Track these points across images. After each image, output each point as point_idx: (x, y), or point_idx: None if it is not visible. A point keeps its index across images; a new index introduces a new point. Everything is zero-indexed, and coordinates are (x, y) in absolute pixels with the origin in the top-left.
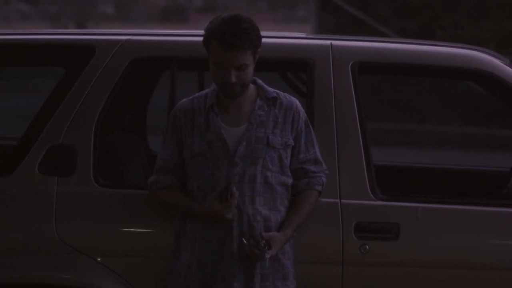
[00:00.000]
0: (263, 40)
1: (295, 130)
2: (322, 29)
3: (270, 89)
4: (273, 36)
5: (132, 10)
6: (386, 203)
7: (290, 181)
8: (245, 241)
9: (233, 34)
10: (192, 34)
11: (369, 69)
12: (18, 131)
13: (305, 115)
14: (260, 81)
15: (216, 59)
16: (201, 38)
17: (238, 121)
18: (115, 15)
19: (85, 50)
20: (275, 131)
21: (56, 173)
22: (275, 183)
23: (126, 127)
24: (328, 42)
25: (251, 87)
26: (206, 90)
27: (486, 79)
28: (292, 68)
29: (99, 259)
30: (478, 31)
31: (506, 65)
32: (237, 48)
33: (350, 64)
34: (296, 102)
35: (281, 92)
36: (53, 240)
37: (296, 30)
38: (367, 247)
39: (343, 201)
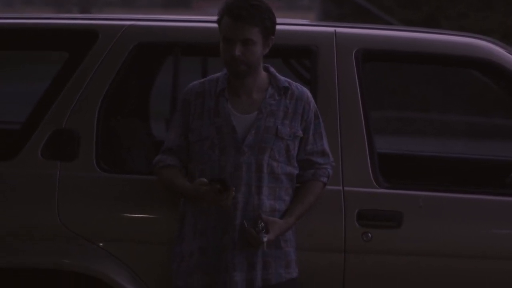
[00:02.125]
0: None
1: (305, 121)
2: (326, 18)
3: (282, 78)
4: (277, 23)
5: None
6: (389, 191)
7: (295, 171)
8: (245, 224)
9: (241, 7)
10: (195, 20)
11: (373, 56)
12: (21, 115)
13: (315, 106)
14: (272, 69)
15: (224, 34)
16: (204, 24)
17: (248, 108)
18: (118, 1)
19: (89, 34)
20: (284, 121)
21: (59, 157)
22: (281, 173)
23: (129, 112)
24: (332, 29)
25: (263, 74)
26: (218, 74)
27: (490, 68)
28: (296, 55)
29: (101, 245)
30: (483, 22)
31: (511, 54)
32: (243, 19)
33: (354, 52)
34: (307, 92)
35: (293, 82)
36: (55, 225)
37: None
38: (370, 235)
39: (346, 188)
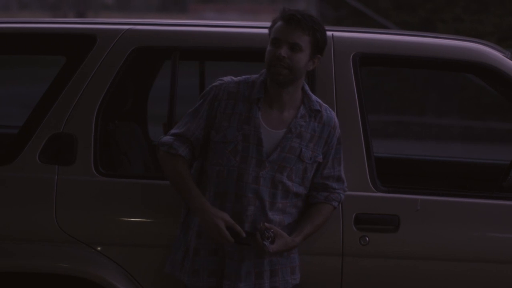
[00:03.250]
0: (265, 31)
1: (327, 146)
2: (322, 21)
3: (314, 98)
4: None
5: (131, 0)
6: (386, 195)
7: (305, 191)
8: (258, 228)
9: (296, 13)
10: (194, 24)
11: (370, 60)
12: (19, 120)
13: (339, 131)
14: (307, 87)
15: (273, 35)
16: (202, 28)
17: (278, 124)
18: (115, 5)
19: (87, 39)
20: (309, 145)
21: (57, 162)
22: (293, 192)
23: (127, 116)
24: (330, 33)
25: (298, 92)
26: (254, 77)
27: (487, 72)
28: None
29: (98, 248)
30: (479, 25)
31: (507, 58)
32: (296, 23)
33: (351, 56)
34: (334, 118)
35: (323, 104)
36: (53, 229)
37: None
38: (367, 238)
39: None
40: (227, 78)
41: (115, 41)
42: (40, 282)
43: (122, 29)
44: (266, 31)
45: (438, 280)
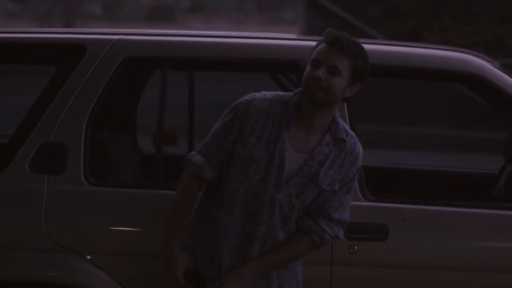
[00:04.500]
0: (254, 41)
1: (346, 174)
2: (310, 31)
3: (342, 126)
4: (264, 37)
5: (119, 10)
6: (375, 204)
7: None
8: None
9: (341, 37)
10: (184, 35)
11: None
12: (9, 129)
13: (361, 163)
14: (337, 114)
15: (314, 56)
16: (192, 39)
17: (302, 148)
18: (102, 15)
19: (77, 49)
20: (328, 171)
21: (47, 171)
22: (304, 213)
23: (117, 126)
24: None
25: (329, 118)
26: (287, 96)
27: (476, 82)
28: (283, 69)
29: (88, 257)
30: (467, 35)
31: (496, 68)
32: (338, 47)
33: None
34: (358, 148)
35: (350, 133)
36: (43, 238)
37: (284, 31)
38: (356, 247)
39: None
40: (259, 94)
41: (105, 51)
42: None
43: (112, 39)
44: (257, 41)
45: None
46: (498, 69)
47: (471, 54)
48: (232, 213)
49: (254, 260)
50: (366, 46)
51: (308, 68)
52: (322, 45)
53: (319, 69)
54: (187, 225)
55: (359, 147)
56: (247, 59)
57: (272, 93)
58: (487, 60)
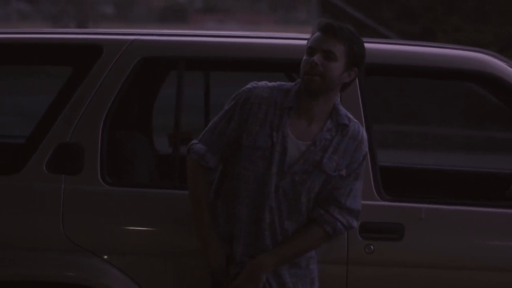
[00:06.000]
0: (269, 41)
1: (351, 159)
2: None
3: (343, 112)
4: (279, 37)
5: (132, 10)
6: (391, 203)
7: None
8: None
9: (333, 23)
10: (199, 35)
11: (374, 70)
12: (25, 129)
13: (367, 149)
14: (338, 101)
15: (308, 44)
16: (208, 39)
17: (303, 136)
18: (115, 15)
19: (93, 49)
20: (332, 156)
21: (64, 171)
22: (313, 204)
23: (133, 126)
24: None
25: (329, 106)
26: (289, 85)
27: (490, 81)
28: (298, 69)
29: (105, 257)
30: (479, 34)
31: (510, 67)
32: (331, 32)
33: None
34: (362, 132)
35: (353, 119)
36: (60, 238)
37: (297, 32)
38: (372, 247)
39: None
40: (261, 83)
41: (122, 51)
42: None
43: (128, 40)
44: (272, 41)
45: None
46: (511, 67)
47: (485, 53)
48: (243, 203)
49: (266, 254)
50: (379, 46)
51: (304, 57)
52: (316, 33)
53: (313, 55)
54: (209, 211)
55: (363, 132)
56: (263, 59)
57: (274, 83)
58: (501, 59)
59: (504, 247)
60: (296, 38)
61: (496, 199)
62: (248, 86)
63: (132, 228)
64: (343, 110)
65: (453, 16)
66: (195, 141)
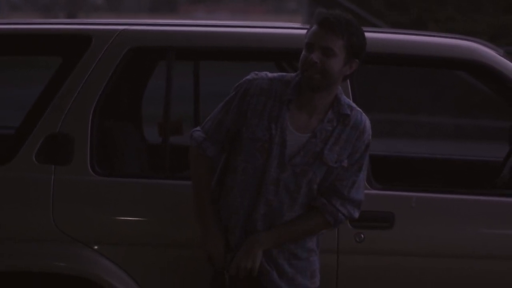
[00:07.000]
0: (259, 30)
1: (353, 149)
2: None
3: (345, 102)
4: (269, 27)
5: (122, 1)
6: (381, 192)
7: None
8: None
9: (330, 16)
10: (189, 24)
11: (365, 59)
12: (15, 120)
13: (370, 138)
14: (340, 91)
15: (307, 40)
16: (198, 28)
17: (304, 128)
18: (105, 6)
19: (82, 39)
20: (333, 147)
21: (54, 162)
22: (315, 196)
23: (123, 116)
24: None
25: (331, 97)
26: (289, 76)
27: (480, 69)
28: (288, 58)
29: (96, 247)
30: (471, 24)
31: (500, 55)
32: (329, 27)
33: None
34: (365, 122)
35: (356, 108)
36: (50, 229)
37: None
38: (362, 236)
39: None
40: (261, 74)
41: (111, 41)
42: (37, 282)
43: (117, 30)
44: (262, 30)
45: (433, 277)
46: (502, 56)
47: (475, 41)
48: (241, 195)
49: (263, 231)
50: (369, 35)
51: (303, 52)
52: (314, 27)
53: (313, 53)
54: (210, 199)
55: (366, 121)
56: (253, 49)
57: (274, 74)
58: (490, 48)
59: (494, 235)
60: (286, 27)
61: (487, 187)
62: (249, 77)
63: (122, 218)
64: (345, 99)
65: (445, 6)
66: (197, 128)
